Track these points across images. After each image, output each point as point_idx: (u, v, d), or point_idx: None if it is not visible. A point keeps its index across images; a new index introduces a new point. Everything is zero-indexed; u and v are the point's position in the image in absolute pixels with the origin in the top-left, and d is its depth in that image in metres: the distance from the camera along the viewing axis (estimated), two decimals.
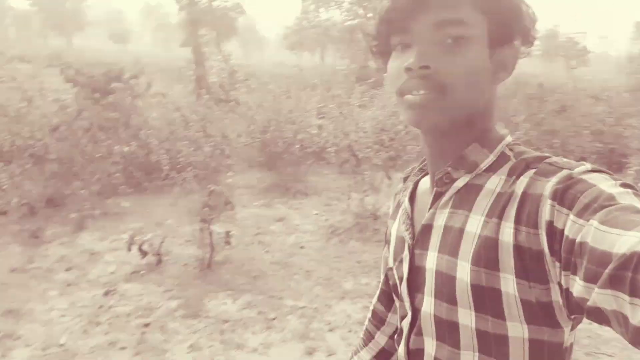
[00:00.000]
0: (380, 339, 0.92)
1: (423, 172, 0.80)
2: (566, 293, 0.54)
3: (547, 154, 0.65)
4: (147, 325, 3.15)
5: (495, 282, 0.61)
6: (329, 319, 3.28)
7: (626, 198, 0.52)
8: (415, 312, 0.73)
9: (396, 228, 0.80)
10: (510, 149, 0.69)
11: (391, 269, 0.79)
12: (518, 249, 0.59)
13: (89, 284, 3.74)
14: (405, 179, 0.85)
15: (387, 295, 0.90)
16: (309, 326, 3.19)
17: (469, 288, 0.63)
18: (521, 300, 0.59)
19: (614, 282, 0.45)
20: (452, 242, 0.66)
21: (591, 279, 0.48)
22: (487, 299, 0.62)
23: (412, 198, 0.79)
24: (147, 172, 6.06)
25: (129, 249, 3.94)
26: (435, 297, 0.68)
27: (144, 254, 3.89)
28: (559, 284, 0.55)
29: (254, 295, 3.57)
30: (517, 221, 0.60)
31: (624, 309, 0.44)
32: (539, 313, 0.60)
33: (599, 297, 0.47)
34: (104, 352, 2.82)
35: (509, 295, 0.60)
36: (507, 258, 0.60)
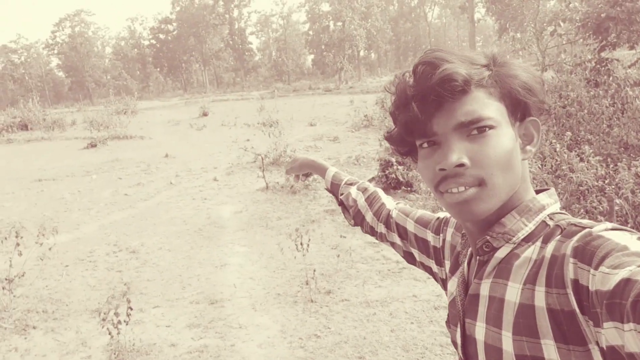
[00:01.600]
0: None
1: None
2: (602, 352, 0.53)
3: (582, 219, 0.64)
4: None
5: (537, 350, 0.59)
6: None
7: (637, 246, 0.53)
8: None
9: (454, 287, 0.79)
10: (551, 218, 0.68)
11: (450, 325, 0.79)
12: (551, 311, 0.58)
13: None
14: (463, 235, 0.83)
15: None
16: None
17: (514, 359, 0.61)
18: None
19: (610, 313, 0.47)
20: (495, 313, 0.66)
21: (602, 320, 0.49)
22: None
23: (469, 261, 0.77)
24: None
25: None
26: None
27: None
28: (597, 344, 0.54)
29: None
30: (547, 284, 0.60)
31: (623, 339, 0.45)
32: None
33: (607, 332, 0.48)
34: None
35: None
36: (544, 323, 0.59)
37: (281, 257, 5.00)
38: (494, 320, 0.66)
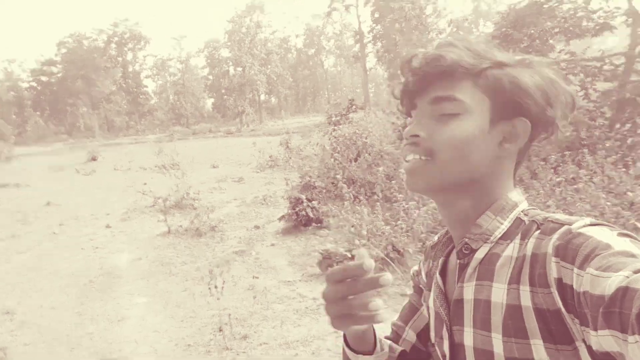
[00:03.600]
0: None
1: (451, 242, 0.77)
2: (589, 350, 0.53)
3: (557, 214, 0.65)
4: None
5: (527, 351, 0.59)
6: None
7: (621, 244, 0.53)
8: None
9: (432, 302, 0.77)
10: (525, 214, 0.68)
11: (433, 345, 0.78)
12: (537, 311, 0.58)
13: None
14: (432, 247, 0.83)
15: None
16: None
17: None
18: None
19: (608, 321, 0.46)
20: (483, 316, 0.65)
21: (594, 325, 0.48)
22: None
23: (443, 270, 0.76)
24: None
25: None
26: None
27: None
28: (584, 342, 0.54)
29: None
30: (532, 283, 0.59)
31: (622, 349, 0.44)
32: None
33: (602, 340, 0.47)
34: None
35: None
36: (532, 323, 0.58)
37: (190, 305, 4.55)
38: (482, 323, 0.64)
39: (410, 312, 0.89)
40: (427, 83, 0.68)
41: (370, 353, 0.77)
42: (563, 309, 0.55)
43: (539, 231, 0.63)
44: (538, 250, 0.60)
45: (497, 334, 0.62)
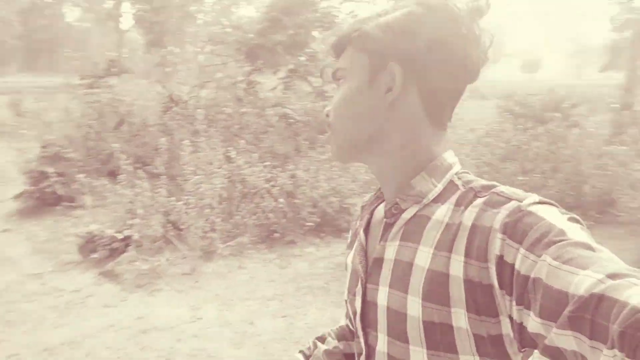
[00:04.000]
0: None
1: (379, 200, 0.77)
2: (519, 327, 0.54)
3: (495, 183, 0.64)
4: None
5: (447, 318, 0.60)
6: None
7: (576, 233, 0.52)
8: (369, 350, 0.71)
9: (351, 259, 0.78)
10: (459, 178, 0.68)
11: (346, 301, 0.78)
12: (468, 282, 0.58)
13: None
14: (362, 207, 0.83)
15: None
16: None
17: (421, 325, 0.61)
18: (473, 334, 0.59)
19: (574, 324, 0.45)
20: (402, 277, 0.64)
21: (548, 316, 0.48)
22: (439, 335, 0.61)
23: (367, 228, 0.76)
24: None
25: None
26: (389, 335, 0.66)
27: None
28: (510, 317, 0.55)
29: None
30: (467, 254, 0.59)
31: (585, 352, 0.45)
32: (490, 346, 0.59)
33: (559, 337, 0.47)
34: None
35: (461, 330, 0.59)
36: (457, 292, 0.59)
37: None
38: (400, 284, 0.64)
39: None
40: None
41: None
42: (496, 285, 0.55)
43: (480, 200, 0.61)
44: (480, 222, 0.59)
45: (415, 297, 0.61)
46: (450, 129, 0.75)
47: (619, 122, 8.39)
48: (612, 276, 0.45)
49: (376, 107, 0.68)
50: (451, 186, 0.67)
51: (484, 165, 5.92)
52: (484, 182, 0.65)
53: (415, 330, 0.62)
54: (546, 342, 0.49)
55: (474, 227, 0.59)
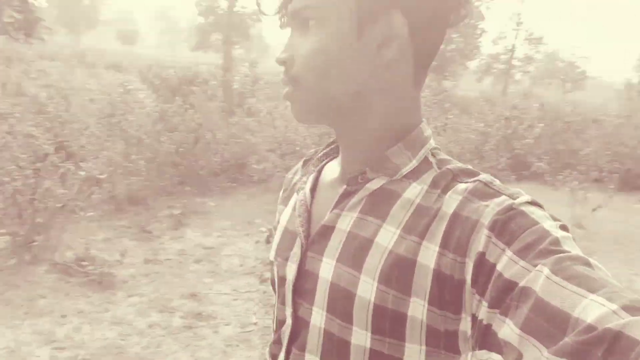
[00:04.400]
0: None
1: (329, 158, 0.71)
2: (485, 329, 0.49)
3: (472, 168, 0.60)
4: None
5: (403, 306, 0.55)
6: None
7: (570, 245, 0.48)
8: (298, 322, 0.64)
9: (286, 218, 0.71)
10: (433, 155, 0.62)
11: (272, 262, 0.71)
12: (438, 274, 0.53)
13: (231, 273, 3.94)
14: (305, 162, 0.76)
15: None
16: None
17: (371, 308, 0.56)
18: (427, 325, 0.55)
19: (580, 357, 0.39)
20: (356, 253, 0.58)
21: (532, 332, 0.44)
22: (388, 322, 0.56)
23: (313, 188, 0.68)
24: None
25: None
26: (328, 311, 0.60)
27: None
28: (474, 316, 0.51)
29: None
30: (444, 245, 0.54)
31: None
32: (441, 339, 0.55)
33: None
34: None
35: (415, 320, 0.55)
36: (422, 282, 0.54)
37: None
38: (351, 260, 0.58)
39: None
40: None
41: None
42: (469, 282, 0.51)
43: (462, 186, 0.56)
44: (464, 213, 0.53)
45: (369, 278, 0.56)
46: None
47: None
48: (628, 309, 0.39)
49: (363, 64, 0.57)
50: (425, 163, 0.61)
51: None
52: (460, 165, 0.60)
53: (362, 312, 0.56)
54: (528, 357, 0.44)
55: (455, 216, 0.54)
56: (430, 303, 0.53)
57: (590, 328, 0.39)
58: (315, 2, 0.56)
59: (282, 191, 0.78)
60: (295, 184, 0.74)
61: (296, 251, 0.64)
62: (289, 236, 0.68)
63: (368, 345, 0.57)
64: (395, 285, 0.54)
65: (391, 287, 0.54)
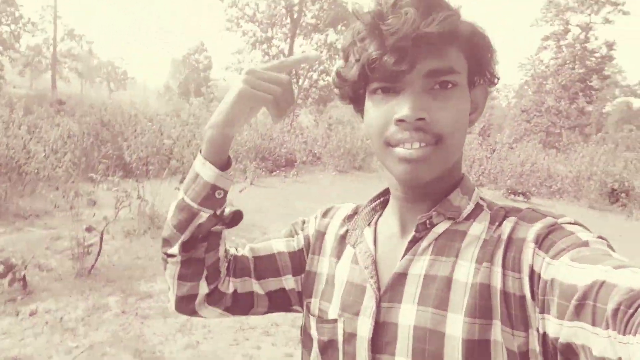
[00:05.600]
0: None
1: (377, 213, 0.74)
2: (543, 337, 0.53)
3: (519, 207, 0.65)
4: None
5: (487, 332, 0.56)
6: None
7: (597, 244, 0.53)
8: None
9: (347, 272, 0.70)
10: (482, 199, 0.68)
11: (335, 320, 0.68)
12: (505, 294, 0.56)
13: None
14: (349, 217, 0.76)
15: None
16: None
17: (461, 344, 0.57)
18: (506, 349, 0.56)
19: (579, 313, 0.45)
20: (438, 294, 0.60)
21: (561, 313, 0.48)
22: (477, 354, 0.56)
23: (374, 241, 0.70)
24: None
25: None
26: (414, 358, 0.59)
27: None
28: (537, 330, 0.54)
29: None
30: (504, 265, 0.58)
31: (589, 341, 0.44)
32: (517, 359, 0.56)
33: (568, 331, 0.47)
34: None
35: (497, 345, 0.56)
36: (497, 304, 0.57)
37: None
38: (434, 301, 0.60)
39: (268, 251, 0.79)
40: (419, 51, 0.57)
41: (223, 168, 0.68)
42: (528, 296, 0.54)
43: (514, 217, 0.62)
44: (515, 235, 0.59)
45: (457, 315, 0.58)
46: None
47: None
48: (618, 267, 0.46)
49: (465, 133, 0.64)
50: (477, 206, 0.66)
51: None
52: (508, 204, 0.66)
53: (454, 350, 0.57)
54: (560, 340, 0.48)
55: (509, 240, 0.59)
56: (503, 323, 0.56)
57: (584, 287, 0.46)
58: (455, 65, 0.59)
59: (323, 248, 0.76)
60: (342, 235, 0.75)
61: (368, 304, 0.64)
62: (354, 291, 0.67)
63: None
64: (478, 314, 0.57)
65: (476, 317, 0.57)
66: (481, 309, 0.57)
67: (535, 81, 30.16)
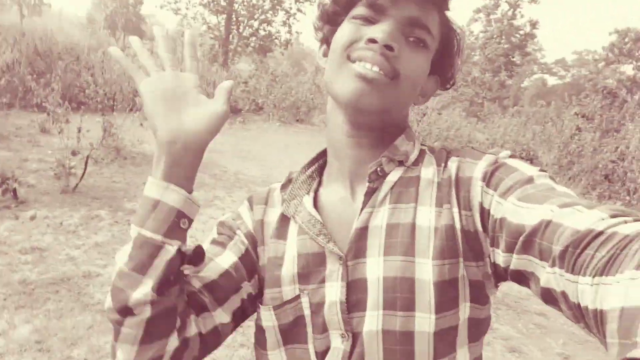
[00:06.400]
0: None
1: (314, 181, 0.71)
2: (494, 266, 0.58)
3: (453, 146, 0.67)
4: None
5: (455, 271, 0.58)
6: None
7: (541, 179, 0.56)
8: (353, 339, 0.60)
9: (294, 246, 0.66)
10: (422, 144, 0.70)
11: (297, 297, 0.64)
12: (464, 232, 0.59)
13: None
14: (283, 187, 0.72)
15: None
16: None
17: (432, 287, 0.57)
18: (469, 280, 0.59)
19: (527, 248, 0.50)
20: (403, 241, 0.60)
21: (510, 248, 0.53)
22: (447, 294, 0.58)
23: (316, 206, 0.68)
24: None
25: None
26: (385, 308, 0.58)
27: None
28: (488, 257, 0.59)
29: None
30: (459, 205, 0.60)
31: (537, 271, 0.50)
32: (477, 289, 0.60)
33: (517, 261, 0.52)
34: None
35: (463, 279, 0.59)
36: (460, 243, 0.59)
37: None
38: (400, 248, 0.60)
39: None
40: None
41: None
42: (480, 230, 0.58)
43: (456, 156, 0.64)
44: (462, 174, 0.61)
45: (424, 259, 0.59)
46: None
47: None
48: (563, 206, 0.49)
49: (414, 97, 0.66)
50: (421, 151, 0.68)
51: None
52: (447, 145, 0.69)
53: (425, 294, 0.58)
54: (511, 267, 0.54)
55: (457, 179, 0.61)
56: (465, 259, 0.59)
57: (532, 226, 0.50)
58: (433, 30, 0.62)
59: (251, 223, 0.72)
60: (282, 214, 0.70)
61: (333, 268, 0.62)
62: (310, 260, 0.65)
63: (432, 329, 0.57)
64: (447, 255, 0.59)
65: (445, 258, 0.58)
66: (449, 250, 0.58)
67: (465, 52, 31.77)
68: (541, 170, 0.58)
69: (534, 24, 32.03)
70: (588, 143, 12.41)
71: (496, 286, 0.62)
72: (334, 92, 0.62)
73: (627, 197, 9.89)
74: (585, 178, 11.39)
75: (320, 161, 0.73)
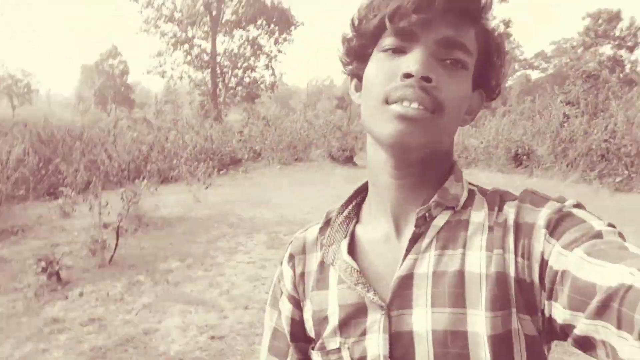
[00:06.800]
0: None
1: (351, 221, 0.68)
2: (549, 320, 0.53)
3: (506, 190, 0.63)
4: None
5: (508, 323, 0.54)
6: None
7: (611, 235, 0.52)
8: None
9: (335, 297, 0.63)
10: (470, 183, 0.65)
11: (338, 350, 0.62)
12: (519, 282, 0.55)
13: None
14: (322, 230, 0.69)
15: None
16: None
17: (486, 342, 0.53)
18: (524, 334, 0.55)
19: (602, 314, 0.45)
20: (452, 291, 0.56)
21: (576, 307, 0.48)
22: (503, 348, 0.54)
23: (351, 252, 0.65)
24: None
25: None
26: None
27: None
28: (542, 312, 0.54)
29: None
30: (516, 252, 0.56)
31: (612, 341, 0.45)
32: (534, 345, 0.56)
33: (587, 327, 0.47)
34: None
35: (516, 332, 0.55)
36: (513, 293, 0.55)
37: None
38: (452, 299, 0.56)
39: (283, 341, 0.70)
40: (437, 15, 0.55)
41: None
42: (537, 281, 0.54)
43: (514, 202, 0.60)
44: (523, 220, 0.57)
45: (477, 310, 0.55)
46: None
47: None
48: None
49: (461, 120, 0.61)
50: (470, 192, 0.64)
51: None
52: (496, 188, 0.65)
53: (480, 349, 0.54)
54: (576, 331, 0.49)
55: (517, 225, 0.57)
56: (519, 311, 0.55)
57: (608, 288, 0.45)
58: (471, 47, 0.58)
59: (290, 278, 0.70)
60: (321, 262, 0.67)
61: (375, 318, 0.59)
62: (350, 311, 0.61)
63: None
64: (499, 306, 0.54)
65: (497, 310, 0.54)
66: (501, 300, 0.54)
67: (506, 56, 31.48)
68: (610, 225, 0.54)
69: (507, 23, 32.97)
70: (578, 127, 12.82)
71: (547, 343, 0.57)
72: (375, 135, 0.59)
73: (626, 172, 10.20)
74: (583, 161, 11.74)
75: (358, 198, 0.70)
